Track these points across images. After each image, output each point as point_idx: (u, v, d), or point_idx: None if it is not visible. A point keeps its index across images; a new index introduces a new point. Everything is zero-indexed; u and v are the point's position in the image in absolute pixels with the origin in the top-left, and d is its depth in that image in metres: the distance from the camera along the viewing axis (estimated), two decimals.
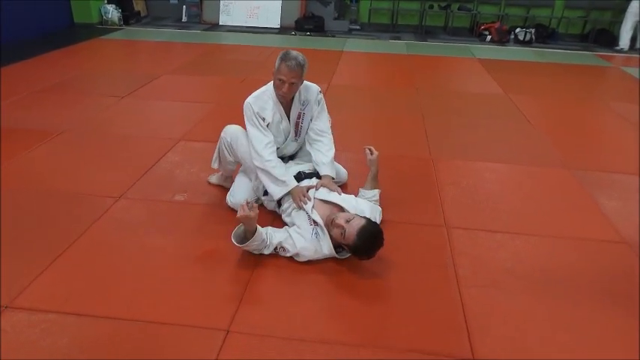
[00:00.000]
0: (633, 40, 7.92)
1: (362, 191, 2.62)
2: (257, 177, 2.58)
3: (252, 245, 2.19)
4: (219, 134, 2.70)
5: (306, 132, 2.69)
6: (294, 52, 2.38)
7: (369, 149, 2.59)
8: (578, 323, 2.01)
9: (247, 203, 2.11)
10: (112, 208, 2.68)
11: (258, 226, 2.18)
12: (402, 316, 2.00)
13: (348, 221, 2.17)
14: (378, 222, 2.44)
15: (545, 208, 2.87)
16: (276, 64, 2.40)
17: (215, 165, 2.86)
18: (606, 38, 8.25)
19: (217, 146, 2.75)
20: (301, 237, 2.26)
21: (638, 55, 7.52)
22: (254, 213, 2.10)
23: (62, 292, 2.03)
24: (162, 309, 1.97)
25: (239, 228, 2.21)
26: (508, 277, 2.26)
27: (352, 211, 2.30)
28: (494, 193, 3.01)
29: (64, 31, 7.60)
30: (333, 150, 2.65)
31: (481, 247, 2.46)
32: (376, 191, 2.59)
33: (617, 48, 7.91)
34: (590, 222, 2.75)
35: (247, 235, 2.18)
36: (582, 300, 2.13)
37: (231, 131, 2.65)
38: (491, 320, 2.00)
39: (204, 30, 8.23)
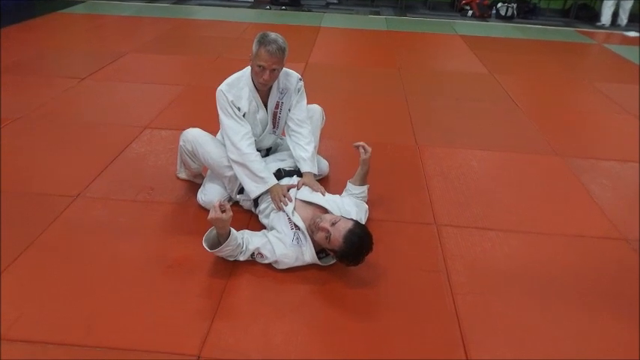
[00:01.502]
0: (615, 16, 7.80)
1: (350, 186, 2.40)
2: (230, 181, 2.35)
3: (225, 251, 1.97)
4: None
5: (285, 123, 2.45)
6: (272, 35, 2.12)
7: (363, 147, 2.33)
8: (580, 331, 1.86)
9: (220, 204, 1.88)
10: (68, 209, 2.40)
11: (232, 229, 1.96)
12: (391, 331, 1.82)
13: (333, 224, 1.95)
14: (364, 221, 2.25)
15: (539, 202, 2.71)
16: (254, 48, 2.13)
17: (182, 175, 2.65)
18: (587, 14, 8.13)
19: (179, 154, 2.50)
20: (281, 242, 2.05)
21: (619, 32, 7.41)
22: (227, 215, 1.87)
23: (8, 315, 1.77)
24: (124, 331, 1.74)
25: (211, 231, 1.98)
26: (504, 281, 2.09)
27: (337, 213, 2.09)
28: (485, 185, 2.84)
29: (21, 4, 7.03)
30: (314, 143, 2.42)
31: (474, 248, 2.29)
32: (365, 187, 2.38)
33: (599, 24, 7.78)
34: (586, 216, 2.61)
35: (220, 240, 1.95)
36: (584, 305, 1.99)
37: (191, 137, 2.36)
38: (488, 332, 1.83)
39: (173, 4, 7.77)
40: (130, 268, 2.06)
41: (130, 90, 4.06)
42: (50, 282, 1.95)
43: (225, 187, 2.43)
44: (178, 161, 2.61)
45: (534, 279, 2.12)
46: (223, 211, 1.85)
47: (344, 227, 1.93)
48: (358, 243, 1.92)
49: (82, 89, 4.02)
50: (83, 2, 7.44)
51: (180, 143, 2.41)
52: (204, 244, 1.96)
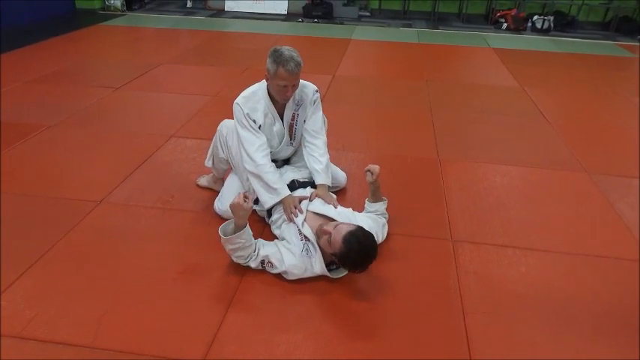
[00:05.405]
0: None
1: (367, 205, 2.40)
2: (248, 179, 2.38)
3: (237, 242, 2.00)
4: (213, 130, 2.51)
5: (301, 134, 2.47)
6: (286, 52, 2.14)
7: (369, 171, 2.25)
8: None
9: (244, 194, 1.95)
10: (91, 214, 2.48)
11: (248, 227, 2.01)
12: (396, 348, 1.79)
13: (335, 227, 1.96)
14: (381, 237, 2.24)
15: (562, 220, 2.62)
16: (271, 68, 2.15)
17: (209, 163, 2.65)
18: (629, 27, 7.83)
19: (213, 141, 2.55)
20: (290, 253, 2.05)
21: None
22: (248, 205, 1.93)
23: (24, 314, 1.84)
24: (131, 335, 1.78)
25: (228, 224, 2.03)
26: (518, 301, 2.03)
27: None
28: (506, 201, 2.77)
29: (65, 16, 7.40)
30: (328, 154, 2.43)
31: (490, 265, 2.24)
32: (379, 204, 2.36)
33: None
34: (611, 236, 2.50)
35: (236, 232, 1.99)
36: (600, 335, 1.89)
37: (229, 124, 2.44)
38: (496, 354, 1.78)
39: (209, 16, 7.98)
40: (142, 273, 2.11)
41: (160, 100, 4.18)
42: (65, 284, 2.02)
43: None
44: (209, 151, 2.61)
45: (550, 301, 2.04)
46: (245, 201, 1.92)
47: (345, 230, 1.93)
48: (357, 246, 1.89)
49: (115, 98, 4.16)
50: (124, 15, 7.74)
51: (219, 128, 2.47)
52: (219, 232, 2.01)
